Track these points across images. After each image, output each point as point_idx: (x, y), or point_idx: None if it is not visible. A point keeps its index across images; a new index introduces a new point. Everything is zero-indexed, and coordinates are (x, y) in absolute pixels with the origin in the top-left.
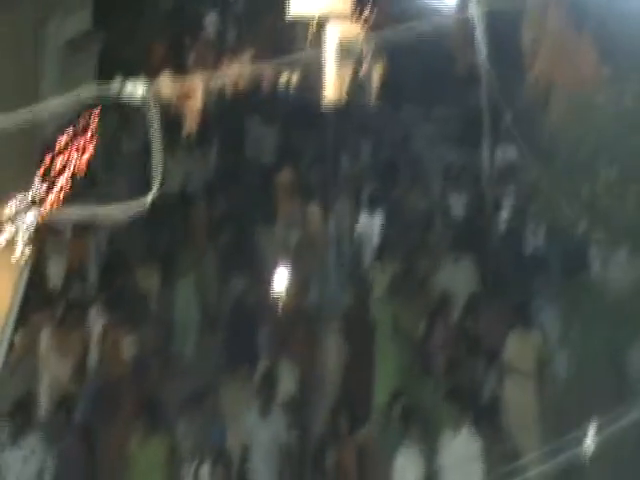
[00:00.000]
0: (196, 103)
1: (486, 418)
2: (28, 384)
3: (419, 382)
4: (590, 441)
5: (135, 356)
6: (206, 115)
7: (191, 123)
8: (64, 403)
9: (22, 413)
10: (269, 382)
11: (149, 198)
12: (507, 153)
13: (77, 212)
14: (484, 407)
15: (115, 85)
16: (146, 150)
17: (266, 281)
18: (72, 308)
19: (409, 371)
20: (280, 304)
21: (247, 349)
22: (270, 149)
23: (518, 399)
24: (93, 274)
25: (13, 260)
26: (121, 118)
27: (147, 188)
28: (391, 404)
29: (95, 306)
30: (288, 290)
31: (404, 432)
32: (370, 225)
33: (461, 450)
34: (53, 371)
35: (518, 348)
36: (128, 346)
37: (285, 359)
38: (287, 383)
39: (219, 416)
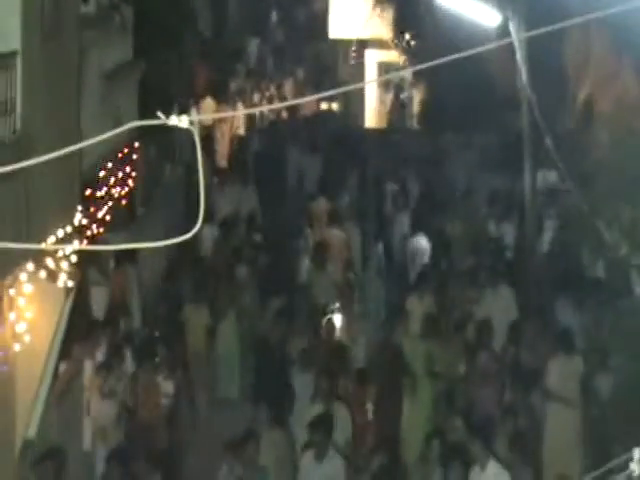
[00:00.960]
0: (234, 128)
1: (524, 446)
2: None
3: (451, 420)
4: (636, 467)
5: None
6: (247, 143)
7: (225, 149)
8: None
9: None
10: (326, 425)
11: (194, 230)
12: (548, 178)
13: (118, 244)
14: (522, 435)
15: (158, 116)
16: (187, 182)
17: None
18: (115, 349)
19: (443, 410)
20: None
21: (283, 390)
22: (312, 177)
23: (560, 426)
24: (136, 306)
25: (57, 291)
26: (162, 150)
27: (189, 220)
28: (429, 444)
29: (134, 345)
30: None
31: (445, 472)
32: (416, 250)
33: None
34: (96, 415)
35: (560, 374)
36: (164, 389)
37: (338, 402)
38: (343, 426)
39: (261, 462)
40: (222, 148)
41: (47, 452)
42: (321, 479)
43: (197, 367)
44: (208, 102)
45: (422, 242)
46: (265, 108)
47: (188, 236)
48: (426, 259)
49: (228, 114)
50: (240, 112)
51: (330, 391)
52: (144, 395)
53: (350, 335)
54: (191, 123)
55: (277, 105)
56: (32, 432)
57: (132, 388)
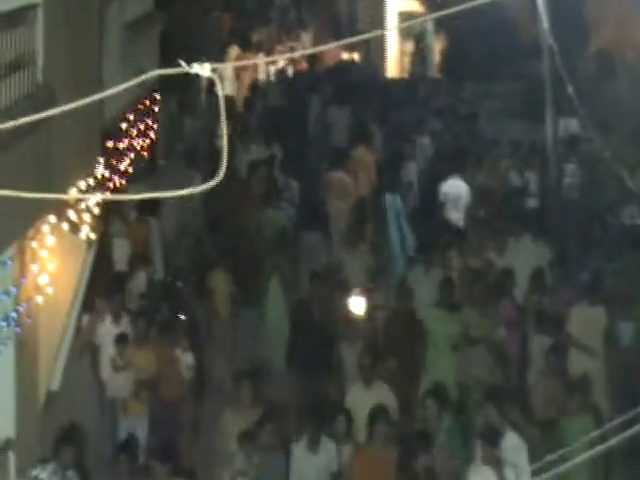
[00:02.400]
0: (255, 76)
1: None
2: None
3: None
4: None
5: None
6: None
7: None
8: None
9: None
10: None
11: (215, 181)
12: (570, 126)
13: (140, 195)
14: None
15: (181, 66)
16: (209, 134)
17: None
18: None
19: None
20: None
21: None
22: (339, 129)
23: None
24: (158, 259)
25: (79, 243)
26: (183, 102)
27: (210, 172)
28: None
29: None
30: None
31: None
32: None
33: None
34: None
35: (583, 323)
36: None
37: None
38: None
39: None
40: (243, 98)
41: (66, 434)
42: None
43: (221, 337)
44: (231, 52)
45: (458, 186)
46: (286, 56)
47: (210, 185)
48: (463, 203)
49: (250, 62)
50: (261, 60)
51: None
52: (164, 368)
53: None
54: (213, 71)
55: (299, 52)
56: (56, 384)
57: (149, 360)
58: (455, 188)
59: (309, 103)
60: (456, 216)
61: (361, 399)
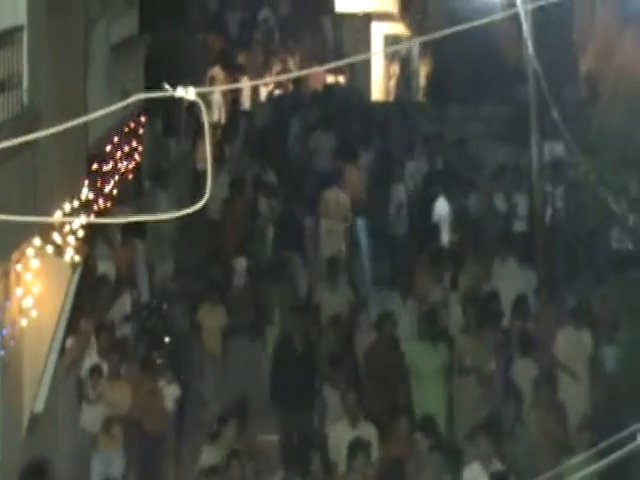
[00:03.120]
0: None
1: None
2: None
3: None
4: None
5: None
6: (252, 117)
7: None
8: None
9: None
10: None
11: (201, 203)
12: (555, 150)
13: (125, 218)
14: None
15: (165, 89)
16: (193, 156)
17: None
18: (108, 349)
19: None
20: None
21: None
22: (324, 154)
23: (569, 399)
24: (144, 281)
25: (63, 266)
26: (168, 124)
27: (195, 194)
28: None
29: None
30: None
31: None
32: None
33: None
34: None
35: (568, 347)
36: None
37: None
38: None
39: None
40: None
41: (34, 470)
42: None
43: (211, 369)
44: (215, 74)
45: (443, 207)
46: (271, 80)
47: (195, 208)
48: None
49: (235, 85)
50: (246, 84)
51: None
52: (145, 400)
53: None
54: (197, 95)
55: (283, 76)
56: (39, 407)
57: (123, 394)
58: (444, 208)
59: (292, 126)
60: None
61: (344, 436)
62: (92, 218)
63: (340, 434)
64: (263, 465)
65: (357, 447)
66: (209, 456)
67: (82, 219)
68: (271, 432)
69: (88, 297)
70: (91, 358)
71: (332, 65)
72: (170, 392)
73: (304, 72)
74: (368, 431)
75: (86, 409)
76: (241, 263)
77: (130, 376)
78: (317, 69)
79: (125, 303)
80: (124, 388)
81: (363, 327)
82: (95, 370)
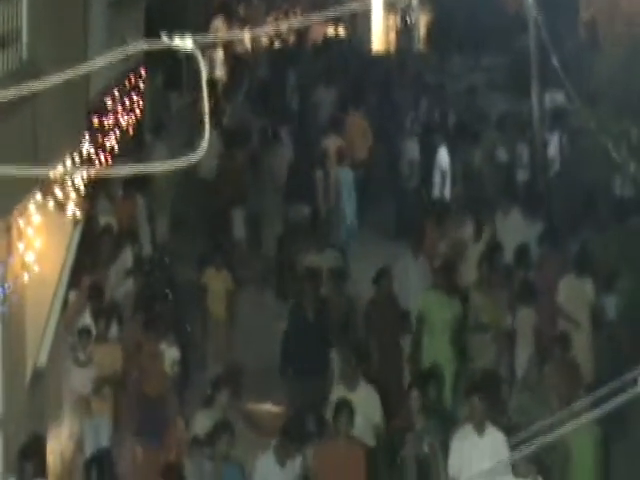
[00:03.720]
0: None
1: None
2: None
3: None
4: None
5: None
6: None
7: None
8: None
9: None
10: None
11: (200, 153)
12: (556, 98)
13: (126, 171)
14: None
15: (163, 40)
16: (194, 109)
17: None
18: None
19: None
20: None
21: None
22: (324, 105)
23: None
24: (146, 236)
25: (65, 221)
26: (169, 77)
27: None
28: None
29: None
30: None
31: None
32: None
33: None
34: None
35: (570, 295)
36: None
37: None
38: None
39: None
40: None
41: (28, 447)
42: None
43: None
44: (217, 26)
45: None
46: (270, 29)
47: (194, 158)
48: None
49: (234, 35)
50: (247, 33)
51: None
52: (143, 363)
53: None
54: (196, 46)
55: (283, 24)
56: (42, 361)
57: (114, 356)
58: (445, 157)
59: (290, 78)
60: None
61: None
62: (94, 170)
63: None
64: (262, 433)
65: (342, 407)
66: (202, 423)
67: (84, 171)
68: (270, 400)
69: (90, 252)
70: (83, 318)
71: (331, 14)
72: (171, 355)
73: (303, 21)
74: (368, 394)
75: (75, 371)
76: (239, 214)
77: (129, 337)
78: (316, 17)
79: (127, 257)
80: (114, 350)
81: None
82: (84, 331)
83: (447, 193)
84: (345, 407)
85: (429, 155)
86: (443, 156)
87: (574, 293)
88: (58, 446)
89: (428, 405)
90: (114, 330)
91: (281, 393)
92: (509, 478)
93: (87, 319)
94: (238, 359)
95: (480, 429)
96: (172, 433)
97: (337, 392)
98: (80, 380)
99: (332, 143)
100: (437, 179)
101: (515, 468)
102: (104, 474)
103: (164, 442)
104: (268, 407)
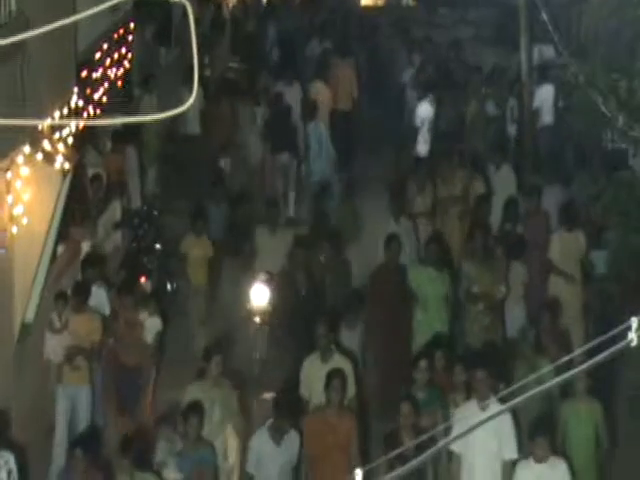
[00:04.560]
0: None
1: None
2: None
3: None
4: (634, 335)
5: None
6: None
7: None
8: None
9: None
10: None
11: (188, 103)
12: (544, 52)
13: (114, 122)
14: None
15: None
16: (183, 63)
17: None
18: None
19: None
20: None
21: None
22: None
23: (563, 300)
24: (135, 188)
25: (53, 174)
26: (158, 31)
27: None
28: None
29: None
30: None
31: None
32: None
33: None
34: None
35: (561, 249)
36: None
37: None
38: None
39: None
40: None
41: None
42: None
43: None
44: None
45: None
46: None
47: (183, 109)
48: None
49: None
50: None
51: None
52: (122, 332)
53: None
54: None
55: None
56: (30, 315)
57: (90, 325)
58: (428, 111)
59: (270, 30)
60: (427, 140)
61: (315, 372)
62: (83, 121)
63: (310, 369)
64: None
65: (334, 376)
66: (194, 395)
67: (72, 123)
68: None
69: (78, 205)
70: (58, 284)
71: None
72: (153, 325)
73: None
74: (342, 365)
75: (49, 338)
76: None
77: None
78: None
79: (115, 210)
80: (90, 318)
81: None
82: (60, 297)
83: (432, 148)
84: (337, 375)
85: (414, 108)
86: (428, 109)
87: (566, 247)
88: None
89: (432, 377)
90: (96, 298)
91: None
92: (530, 462)
93: (67, 282)
94: (221, 327)
95: (483, 405)
96: (148, 404)
97: (310, 363)
98: (52, 347)
99: (316, 93)
100: (423, 133)
101: (534, 454)
102: (88, 449)
103: (139, 413)
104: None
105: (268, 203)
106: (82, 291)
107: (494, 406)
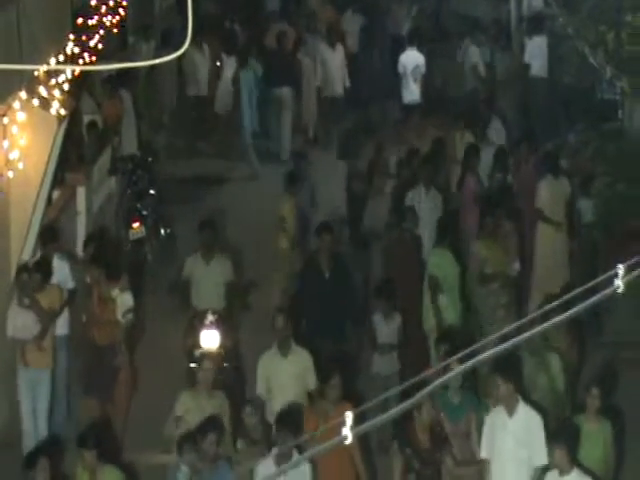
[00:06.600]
0: None
1: None
2: None
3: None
4: (620, 282)
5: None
6: None
7: None
8: None
9: None
10: None
11: (182, 50)
12: (533, 3)
13: (110, 68)
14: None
15: None
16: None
17: None
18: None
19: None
20: None
21: None
22: None
23: (550, 247)
24: (132, 133)
25: (50, 119)
26: None
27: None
28: None
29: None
30: None
31: None
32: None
33: None
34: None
35: (549, 196)
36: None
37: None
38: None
39: None
40: None
41: None
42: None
43: None
44: None
45: (415, 56)
46: None
47: (179, 53)
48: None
49: None
50: None
51: None
52: (92, 310)
53: None
54: None
55: None
56: (26, 256)
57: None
58: (413, 59)
59: None
60: (413, 88)
61: (277, 365)
62: (77, 71)
63: (270, 364)
64: None
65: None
66: (186, 405)
67: (67, 69)
68: None
69: (74, 150)
70: (25, 255)
71: None
72: (124, 302)
73: None
74: (302, 359)
75: (16, 315)
76: None
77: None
78: None
79: (110, 155)
80: (53, 293)
81: None
82: (24, 269)
83: (420, 98)
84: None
85: (398, 58)
86: (417, 58)
87: (553, 193)
88: None
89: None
90: (59, 271)
91: None
92: (554, 475)
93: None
94: None
95: (510, 410)
96: (123, 387)
97: (268, 358)
98: (18, 324)
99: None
100: (410, 83)
101: (560, 468)
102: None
103: (111, 395)
104: None
105: None
106: (43, 268)
107: (522, 410)
